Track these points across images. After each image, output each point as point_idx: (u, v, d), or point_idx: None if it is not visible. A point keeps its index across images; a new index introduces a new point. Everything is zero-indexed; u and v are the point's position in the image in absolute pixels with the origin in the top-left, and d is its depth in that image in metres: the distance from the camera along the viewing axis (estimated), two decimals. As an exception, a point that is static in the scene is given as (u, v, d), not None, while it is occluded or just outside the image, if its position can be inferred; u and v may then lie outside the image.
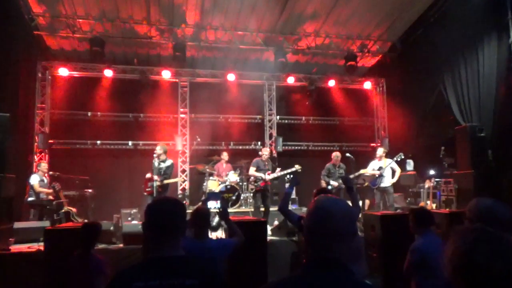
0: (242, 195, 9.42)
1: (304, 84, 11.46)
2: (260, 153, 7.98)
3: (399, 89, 10.65)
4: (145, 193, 7.20)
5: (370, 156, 9.58)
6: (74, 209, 7.64)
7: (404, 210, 7.81)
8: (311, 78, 11.38)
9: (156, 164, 7.15)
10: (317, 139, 11.54)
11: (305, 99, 11.46)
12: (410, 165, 9.40)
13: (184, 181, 10.23)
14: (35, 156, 10.08)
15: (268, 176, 7.43)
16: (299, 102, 11.54)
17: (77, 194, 8.54)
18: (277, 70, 10.51)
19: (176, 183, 9.34)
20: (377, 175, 8.02)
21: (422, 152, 9.37)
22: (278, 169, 7.75)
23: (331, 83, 11.56)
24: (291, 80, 11.30)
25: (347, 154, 8.12)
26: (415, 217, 3.30)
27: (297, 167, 7.62)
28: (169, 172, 7.24)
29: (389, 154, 8.73)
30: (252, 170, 7.64)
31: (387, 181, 7.96)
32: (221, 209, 3.54)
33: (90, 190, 8.81)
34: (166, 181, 7.21)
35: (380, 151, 8.29)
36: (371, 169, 8.18)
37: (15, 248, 6.00)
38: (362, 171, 8.17)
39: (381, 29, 9.97)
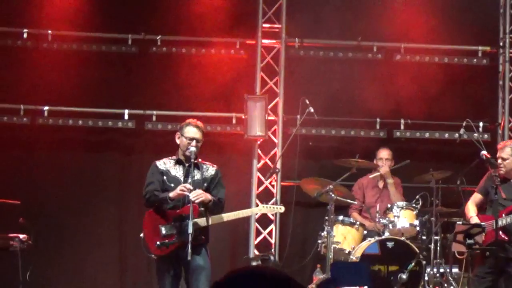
0: (429, 269, 8.34)
1: None
2: (484, 155, 7.14)
3: None
4: (153, 255, 6.64)
5: None
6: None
7: None
8: None
9: (174, 171, 6.62)
10: None
11: None
12: None
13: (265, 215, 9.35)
14: None
15: (501, 220, 7.14)
16: None
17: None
18: None
19: (231, 226, 8.99)
20: None
21: None
22: None
23: None
24: None
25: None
26: None
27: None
28: (220, 193, 6.74)
29: None
30: (469, 204, 7.12)
31: None
32: None
33: (22, 237, 8.11)
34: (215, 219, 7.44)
35: None
36: None
37: None
38: None
39: None
